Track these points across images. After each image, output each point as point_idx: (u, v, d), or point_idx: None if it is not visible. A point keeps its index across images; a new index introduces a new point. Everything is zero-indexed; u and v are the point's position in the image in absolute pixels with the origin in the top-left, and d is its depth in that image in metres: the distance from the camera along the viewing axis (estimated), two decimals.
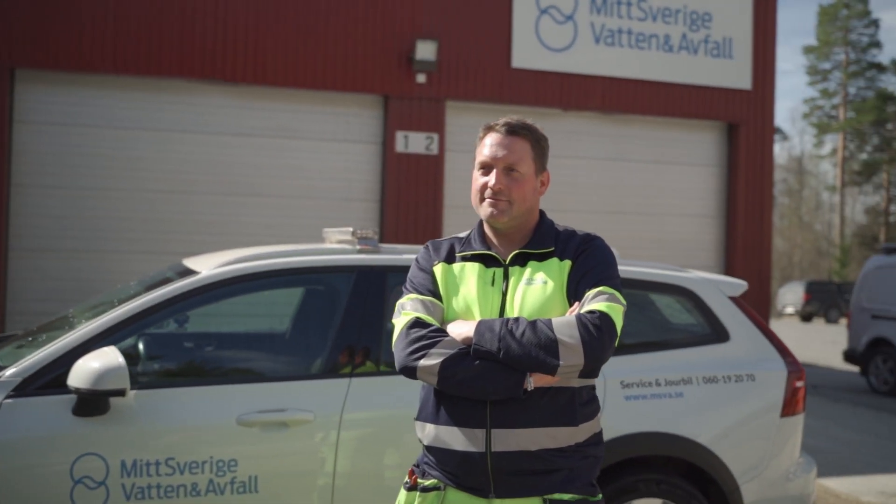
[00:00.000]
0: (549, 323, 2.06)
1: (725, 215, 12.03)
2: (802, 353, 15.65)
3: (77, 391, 2.87)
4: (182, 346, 3.98)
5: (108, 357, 2.89)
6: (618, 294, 2.14)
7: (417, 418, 2.25)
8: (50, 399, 2.97)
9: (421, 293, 2.23)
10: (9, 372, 3.00)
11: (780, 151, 51.80)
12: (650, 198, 11.64)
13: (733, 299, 3.98)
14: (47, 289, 9.27)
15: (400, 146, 10.32)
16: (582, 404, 2.17)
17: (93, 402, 2.92)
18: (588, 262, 2.18)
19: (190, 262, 3.77)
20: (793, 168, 51.77)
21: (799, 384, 3.86)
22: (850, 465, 6.99)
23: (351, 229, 3.70)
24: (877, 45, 45.91)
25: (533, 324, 2.06)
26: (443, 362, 2.07)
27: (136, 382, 3.13)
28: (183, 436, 3.07)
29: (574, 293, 2.15)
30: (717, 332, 3.86)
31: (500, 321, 2.09)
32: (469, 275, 2.23)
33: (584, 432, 2.16)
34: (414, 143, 10.35)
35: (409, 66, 10.34)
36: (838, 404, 10.47)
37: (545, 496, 2.11)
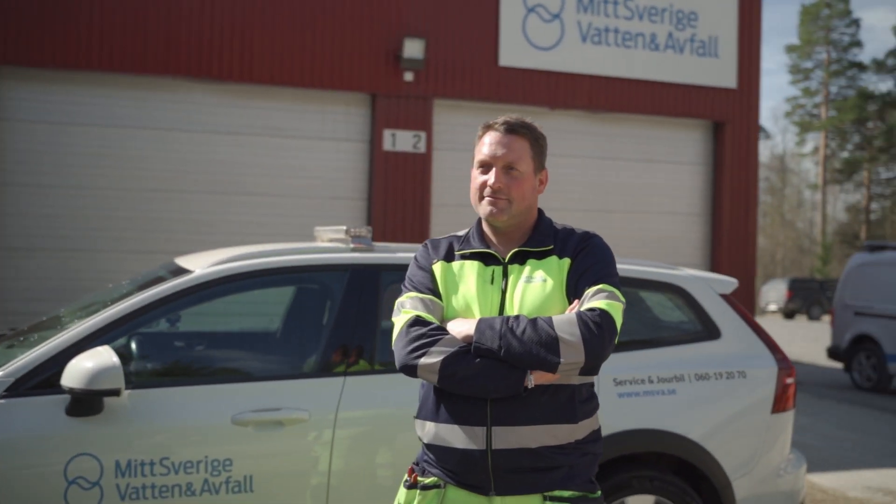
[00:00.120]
0: (549, 321, 2.07)
1: (711, 213, 12.10)
2: (786, 350, 15.67)
3: (71, 391, 2.84)
4: (176, 346, 3.96)
5: (103, 356, 2.87)
6: (617, 292, 2.16)
7: (417, 416, 2.25)
8: (43, 399, 2.95)
9: (420, 291, 2.23)
10: (1, 373, 2.97)
11: (762, 150, 52.20)
12: (637, 196, 11.69)
13: (724, 297, 4.01)
14: (37, 288, 9.18)
15: (387, 144, 10.30)
16: (582, 401, 2.18)
17: (87, 402, 2.90)
18: (587, 259, 2.19)
19: (183, 261, 3.74)
20: (775, 166, 52.15)
21: (789, 381, 3.90)
22: (836, 461, 7.06)
23: (344, 227, 3.68)
24: (858, 44, 46.32)
25: (533, 321, 2.07)
26: (443, 360, 2.07)
27: (130, 382, 3.11)
28: (177, 435, 3.06)
29: (573, 291, 2.16)
30: (708, 330, 3.89)
31: (500, 319, 2.09)
32: (468, 273, 2.23)
33: (583, 429, 2.17)
34: (401, 141, 10.33)
35: (396, 64, 10.32)
36: (823, 401, 10.57)
37: (545, 493, 2.12)
